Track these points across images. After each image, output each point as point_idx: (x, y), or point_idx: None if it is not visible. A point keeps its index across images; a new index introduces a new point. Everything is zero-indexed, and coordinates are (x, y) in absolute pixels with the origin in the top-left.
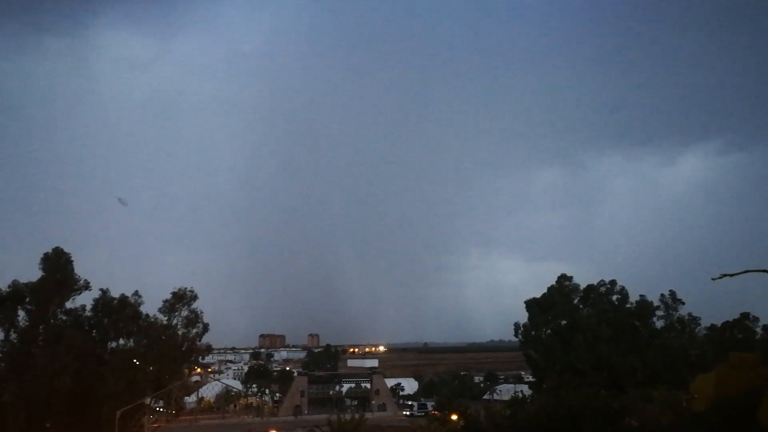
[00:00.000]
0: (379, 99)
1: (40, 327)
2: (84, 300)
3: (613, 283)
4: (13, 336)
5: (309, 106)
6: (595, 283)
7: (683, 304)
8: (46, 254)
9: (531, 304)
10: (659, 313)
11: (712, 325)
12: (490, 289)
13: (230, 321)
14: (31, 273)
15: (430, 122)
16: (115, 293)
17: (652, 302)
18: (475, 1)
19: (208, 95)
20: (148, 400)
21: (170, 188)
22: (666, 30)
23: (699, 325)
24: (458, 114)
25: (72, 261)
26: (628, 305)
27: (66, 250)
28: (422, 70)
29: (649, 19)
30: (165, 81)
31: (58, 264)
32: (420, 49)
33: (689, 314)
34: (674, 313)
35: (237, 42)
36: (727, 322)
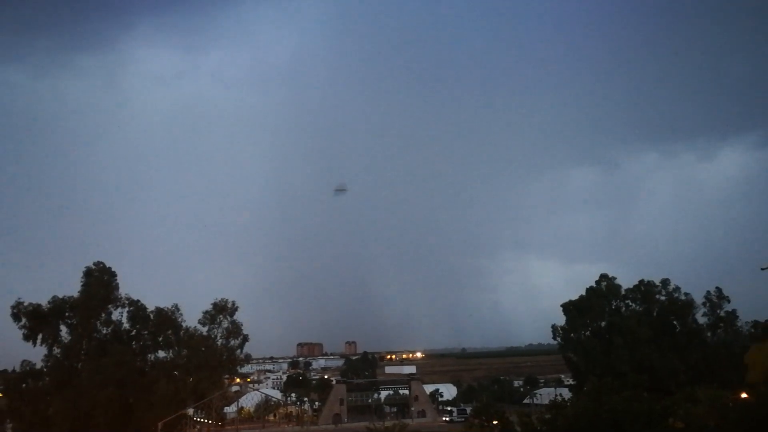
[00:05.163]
0: (408, 105)
1: (84, 341)
2: (120, 312)
3: (665, 282)
4: (56, 351)
5: (336, 115)
6: (636, 283)
7: (728, 301)
8: (87, 269)
9: (568, 307)
10: (702, 310)
11: (755, 321)
12: (527, 292)
13: (268, 331)
14: (67, 287)
15: (462, 125)
16: (150, 306)
17: (693, 301)
18: (502, 3)
19: (236, 107)
20: (189, 411)
21: (202, 200)
22: (698, 23)
23: (740, 319)
24: (490, 116)
25: (116, 276)
26: (671, 305)
27: (98, 264)
28: (451, 73)
29: (682, 12)
30: (194, 94)
31: (101, 280)
32: (447, 53)
33: (730, 311)
34: (719, 311)
35: (264, 54)
36: None
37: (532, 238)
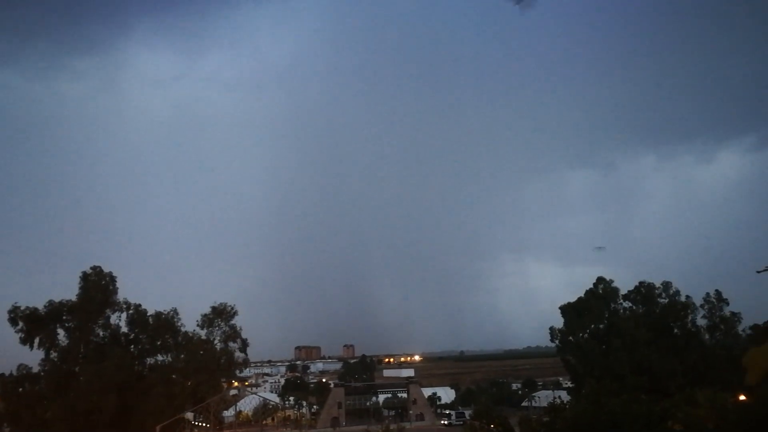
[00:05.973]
0: (406, 106)
1: (81, 345)
2: (119, 316)
3: (666, 285)
4: (53, 355)
5: (335, 118)
6: (636, 285)
7: (728, 304)
8: (84, 273)
9: (566, 309)
10: (702, 312)
11: (755, 324)
12: (525, 295)
13: (266, 334)
14: (65, 291)
15: (461, 127)
16: (149, 309)
17: (693, 303)
18: (500, 5)
19: (235, 109)
20: (188, 415)
21: (201, 202)
22: (697, 23)
23: (740, 322)
24: (488, 118)
25: (115, 280)
26: (670, 307)
27: (95, 268)
28: (449, 76)
29: (681, 13)
30: (192, 96)
31: (99, 284)
32: (446, 55)
33: (732, 313)
34: (719, 312)
35: (262, 57)
36: None
37: (530, 241)
